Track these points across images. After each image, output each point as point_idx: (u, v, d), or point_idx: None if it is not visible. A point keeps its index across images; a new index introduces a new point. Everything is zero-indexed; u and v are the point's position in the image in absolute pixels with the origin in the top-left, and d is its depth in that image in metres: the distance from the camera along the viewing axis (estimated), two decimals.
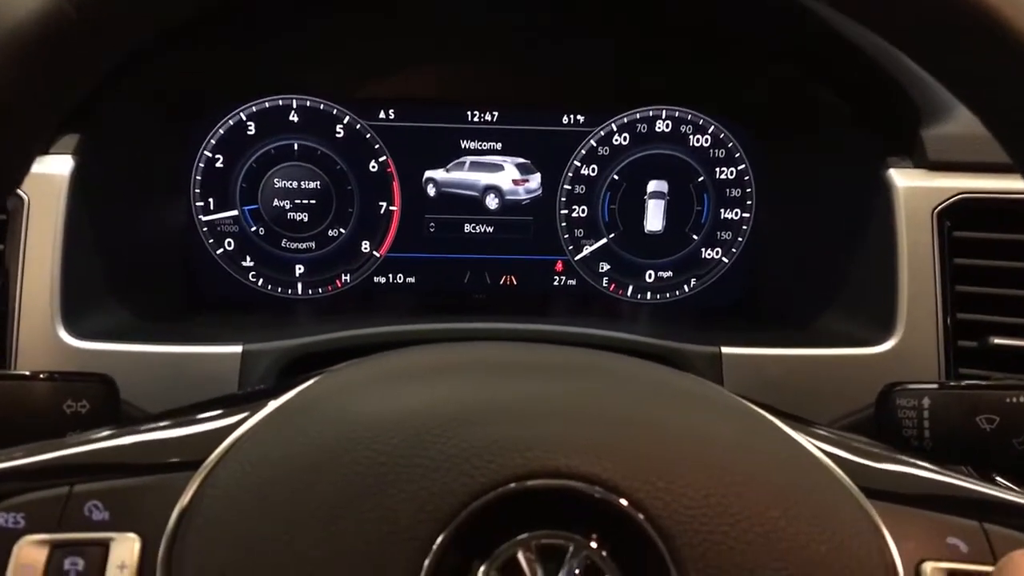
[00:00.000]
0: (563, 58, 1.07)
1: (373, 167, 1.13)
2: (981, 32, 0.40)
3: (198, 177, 1.10)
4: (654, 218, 1.16)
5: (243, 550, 0.41)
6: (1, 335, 0.82)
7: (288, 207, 1.12)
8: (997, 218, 0.88)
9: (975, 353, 0.87)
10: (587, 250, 1.17)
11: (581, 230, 1.17)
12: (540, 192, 1.15)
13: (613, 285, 1.19)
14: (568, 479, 0.41)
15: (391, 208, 1.14)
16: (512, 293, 1.17)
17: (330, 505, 0.41)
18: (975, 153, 0.88)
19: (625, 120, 1.14)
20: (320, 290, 1.15)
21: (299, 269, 1.14)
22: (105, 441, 0.49)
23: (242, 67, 1.06)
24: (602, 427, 0.45)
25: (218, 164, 1.10)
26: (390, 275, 1.16)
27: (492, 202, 1.14)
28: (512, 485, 0.41)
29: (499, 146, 1.14)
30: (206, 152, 1.10)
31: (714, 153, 1.15)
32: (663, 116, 1.14)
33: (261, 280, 1.14)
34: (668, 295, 1.19)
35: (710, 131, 1.15)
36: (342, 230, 1.14)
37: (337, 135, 1.11)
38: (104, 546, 0.42)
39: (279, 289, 1.14)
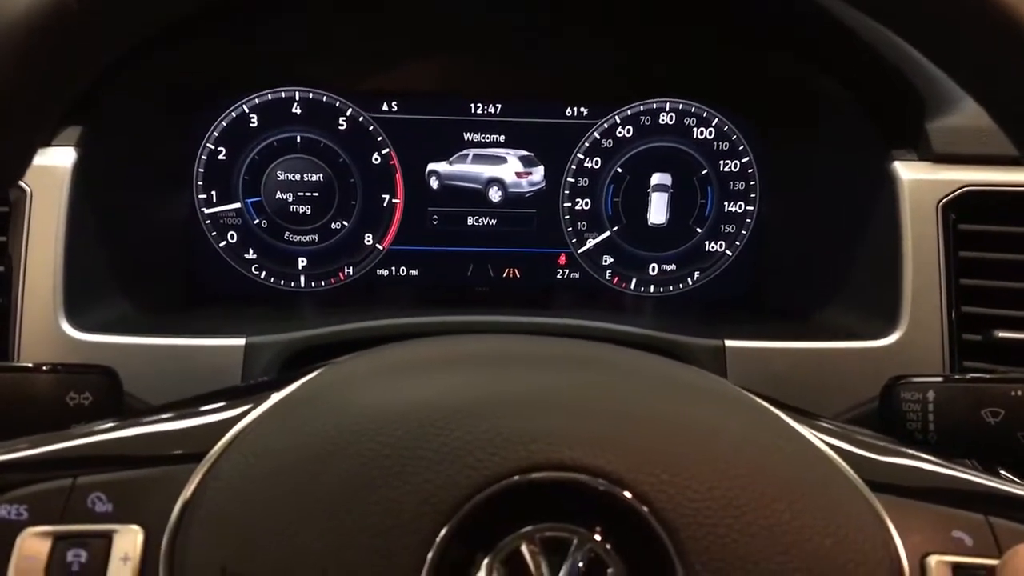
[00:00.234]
0: (567, 50, 1.06)
1: (376, 159, 1.12)
2: (986, 21, 0.40)
3: (201, 169, 1.10)
4: (658, 211, 1.16)
5: (246, 542, 0.41)
6: (4, 327, 0.82)
7: (291, 200, 1.12)
8: (1002, 211, 0.88)
9: (979, 346, 0.86)
10: (590, 243, 1.17)
11: (584, 223, 1.17)
12: (543, 185, 1.15)
13: (616, 278, 1.18)
14: (572, 472, 0.41)
15: (394, 201, 1.14)
16: (515, 286, 1.17)
17: (333, 498, 0.41)
18: (980, 145, 0.88)
19: (629, 112, 1.14)
20: (323, 283, 1.15)
21: (302, 262, 1.14)
22: (108, 433, 0.49)
23: (245, 59, 1.05)
24: (606, 420, 0.45)
25: (221, 156, 1.10)
26: (393, 268, 1.16)
27: (495, 195, 1.14)
28: (516, 478, 0.41)
29: (502, 138, 1.13)
30: (209, 144, 1.09)
31: (718, 146, 1.15)
32: (667, 108, 1.14)
33: (264, 273, 1.14)
34: (672, 288, 1.19)
35: (714, 123, 1.14)
36: (345, 223, 1.14)
37: (340, 127, 1.11)
38: (107, 538, 0.42)
39: (282, 282, 1.14)
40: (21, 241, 0.82)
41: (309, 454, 0.43)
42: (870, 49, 0.89)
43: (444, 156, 1.13)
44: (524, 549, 0.40)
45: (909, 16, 0.43)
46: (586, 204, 1.16)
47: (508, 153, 1.13)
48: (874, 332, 0.89)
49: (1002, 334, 0.85)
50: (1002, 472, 0.55)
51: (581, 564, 0.40)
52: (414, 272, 1.17)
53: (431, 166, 1.13)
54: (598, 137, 1.14)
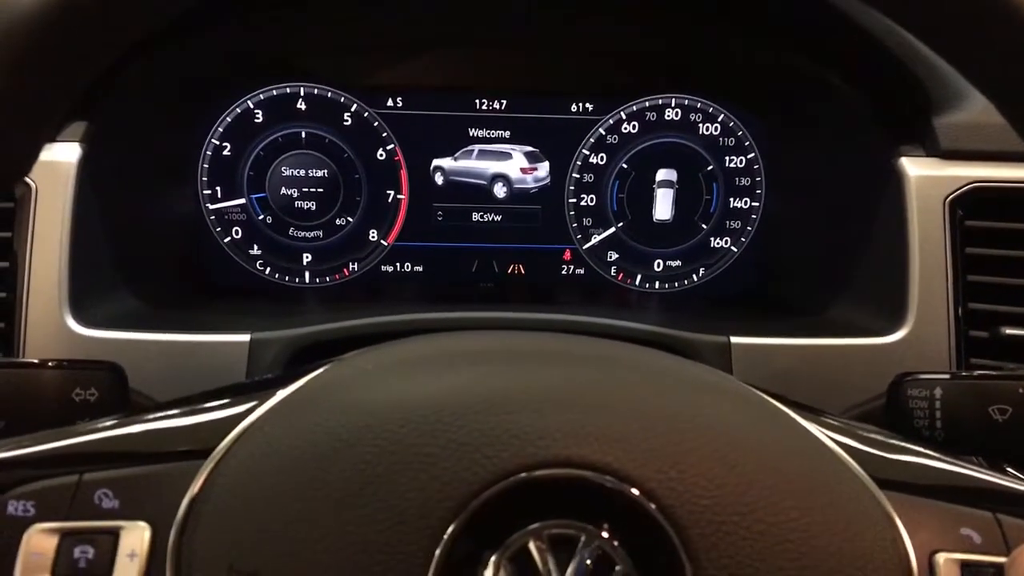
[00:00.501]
0: (572, 46, 1.06)
1: (381, 155, 1.12)
2: (996, 15, 0.40)
3: (205, 165, 1.10)
4: (663, 207, 1.16)
5: (253, 539, 0.41)
6: (9, 323, 0.82)
7: (296, 195, 1.12)
8: (1010, 207, 0.87)
9: (986, 343, 0.86)
10: (595, 239, 1.17)
11: (589, 219, 1.16)
12: (548, 180, 1.15)
13: (621, 274, 1.18)
14: (579, 468, 0.41)
15: (399, 196, 1.14)
16: (520, 282, 1.17)
17: (340, 494, 0.41)
18: (988, 142, 0.88)
19: (634, 108, 1.13)
20: (328, 279, 1.15)
21: (307, 258, 1.14)
22: (114, 429, 0.49)
23: (250, 55, 1.05)
24: (613, 416, 0.44)
25: (225, 152, 1.10)
26: (398, 264, 1.16)
27: (500, 191, 1.14)
28: (523, 475, 0.41)
29: (507, 134, 1.13)
30: (213, 140, 1.09)
31: (723, 141, 1.15)
32: (672, 104, 1.14)
33: (268, 268, 1.14)
34: (677, 284, 1.19)
35: (719, 119, 1.14)
36: (350, 219, 1.14)
37: (345, 123, 1.11)
38: (114, 534, 0.42)
39: (286, 278, 1.14)
40: (26, 237, 0.82)
41: (315, 451, 0.43)
42: (877, 45, 0.89)
43: (449, 152, 1.13)
44: (532, 546, 0.40)
45: (922, 13, 0.43)
46: (591, 200, 1.16)
47: (513, 149, 1.13)
48: (881, 329, 0.88)
49: (1009, 331, 0.84)
50: (1009, 469, 0.55)
51: (589, 561, 0.40)
52: (419, 268, 1.17)
53: (436, 162, 1.13)
54: (603, 133, 1.14)
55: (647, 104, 1.13)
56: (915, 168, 0.89)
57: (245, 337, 0.86)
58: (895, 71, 0.90)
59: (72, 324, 0.82)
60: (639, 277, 1.18)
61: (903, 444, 0.53)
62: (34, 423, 0.51)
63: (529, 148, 1.14)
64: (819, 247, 1.06)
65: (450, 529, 0.39)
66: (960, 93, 0.89)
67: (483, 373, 0.49)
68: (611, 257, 1.18)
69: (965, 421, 0.70)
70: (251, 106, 1.09)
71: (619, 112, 1.13)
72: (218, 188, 1.11)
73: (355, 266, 1.16)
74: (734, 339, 0.89)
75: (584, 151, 1.14)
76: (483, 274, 1.17)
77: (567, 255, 1.18)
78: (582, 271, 1.18)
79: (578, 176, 1.15)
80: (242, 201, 1.11)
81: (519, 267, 1.17)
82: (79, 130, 0.86)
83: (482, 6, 1.01)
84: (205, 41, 0.98)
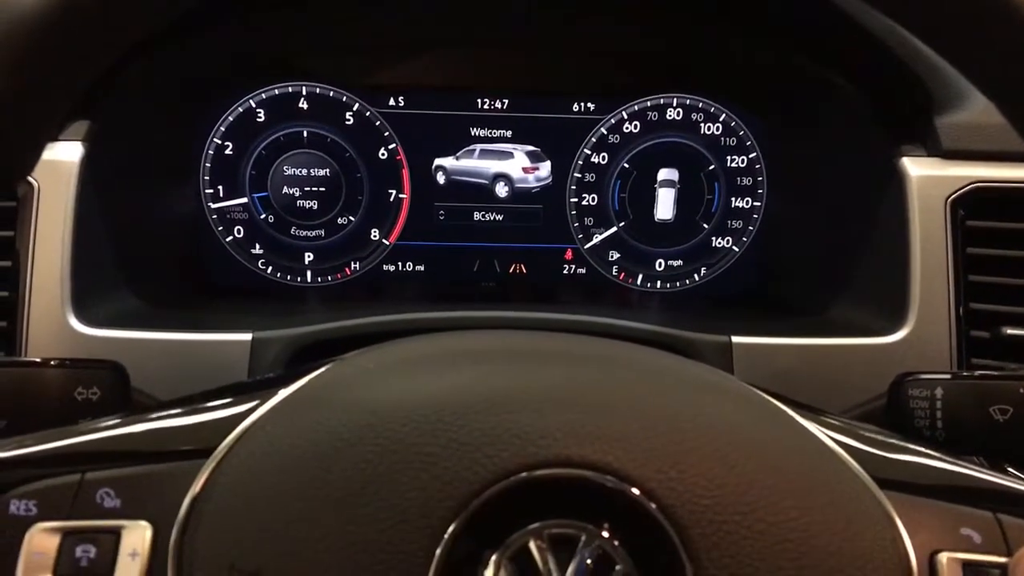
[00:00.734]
0: (574, 45, 1.06)
1: (383, 154, 1.12)
2: (996, 15, 0.40)
3: (207, 164, 1.10)
4: (664, 206, 1.16)
5: (254, 538, 0.41)
6: (11, 322, 0.82)
7: (297, 195, 1.12)
8: (1011, 207, 0.87)
9: (988, 343, 0.86)
10: (597, 238, 1.17)
11: (591, 218, 1.16)
12: (550, 180, 1.15)
13: (623, 274, 1.18)
14: (580, 468, 0.41)
15: (400, 196, 1.14)
16: (521, 281, 1.17)
17: (341, 493, 0.41)
18: (989, 142, 0.88)
19: (636, 108, 1.13)
20: (329, 278, 1.15)
21: (308, 257, 1.14)
22: (116, 428, 0.49)
23: (251, 54, 1.05)
24: (614, 416, 0.44)
25: (227, 151, 1.10)
26: (399, 263, 1.16)
27: (502, 190, 1.14)
28: (524, 474, 0.41)
29: (509, 134, 1.13)
30: (215, 139, 1.10)
31: (725, 141, 1.15)
32: (674, 104, 1.14)
33: (270, 268, 1.14)
34: (678, 284, 1.19)
35: (721, 119, 1.14)
36: (351, 218, 1.14)
37: (347, 122, 1.11)
38: (116, 533, 0.42)
39: (288, 277, 1.14)
40: (29, 236, 0.82)
41: (317, 450, 0.43)
42: (878, 45, 0.89)
43: (451, 151, 1.13)
44: (532, 546, 0.40)
45: (923, 13, 0.43)
46: (593, 200, 1.16)
47: (515, 148, 1.13)
48: (882, 328, 0.88)
49: (1010, 331, 0.84)
50: (1010, 469, 0.55)
51: (589, 561, 0.40)
52: (420, 267, 1.17)
53: (438, 161, 1.13)
54: (605, 132, 1.14)
55: (648, 104, 1.13)
56: (916, 168, 0.89)
57: (247, 336, 0.86)
58: (896, 71, 0.90)
59: (74, 323, 0.82)
60: (640, 277, 1.18)
61: (904, 444, 0.53)
62: (36, 422, 0.51)
63: (531, 147, 1.14)
64: (820, 247, 1.06)
65: (451, 528, 0.39)
66: (961, 93, 0.89)
67: (484, 372, 0.50)
68: (612, 257, 1.18)
69: (966, 421, 0.70)
70: (253, 105, 1.09)
71: (620, 112, 1.13)
72: (220, 187, 1.11)
73: (357, 265, 1.16)
74: (735, 339, 0.89)
75: (586, 151, 1.14)
76: (484, 273, 1.17)
77: (568, 255, 1.18)
78: (583, 271, 1.18)
79: (580, 176, 1.15)
80: (244, 200, 1.11)
81: (520, 266, 1.17)
82: (81, 129, 0.86)
83: (483, 6, 1.01)
84: (206, 41, 0.98)
